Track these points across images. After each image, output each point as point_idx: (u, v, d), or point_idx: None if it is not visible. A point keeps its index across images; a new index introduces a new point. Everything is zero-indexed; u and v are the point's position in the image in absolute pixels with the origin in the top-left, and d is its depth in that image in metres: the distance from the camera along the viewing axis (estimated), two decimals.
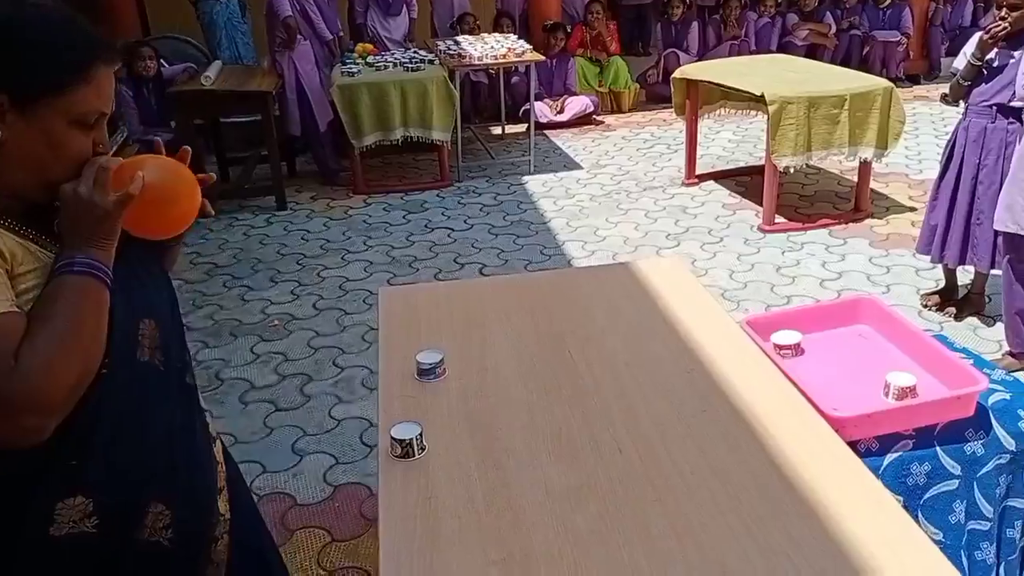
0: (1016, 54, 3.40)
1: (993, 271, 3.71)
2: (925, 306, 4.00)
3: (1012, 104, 3.41)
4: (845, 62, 8.35)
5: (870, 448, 1.82)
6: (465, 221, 5.44)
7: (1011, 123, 3.44)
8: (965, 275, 3.98)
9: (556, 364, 1.87)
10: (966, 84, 3.57)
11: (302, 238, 5.23)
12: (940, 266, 3.97)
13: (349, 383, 3.56)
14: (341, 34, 6.86)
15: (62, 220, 1.17)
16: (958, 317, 3.89)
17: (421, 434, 1.56)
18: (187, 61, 6.37)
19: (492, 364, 1.88)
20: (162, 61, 6.04)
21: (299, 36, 5.94)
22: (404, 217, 5.56)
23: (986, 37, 3.42)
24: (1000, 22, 3.38)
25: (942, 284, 4.04)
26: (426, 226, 5.38)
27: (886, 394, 1.84)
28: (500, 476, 1.50)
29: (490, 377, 1.83)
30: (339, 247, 5.08)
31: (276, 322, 4.13)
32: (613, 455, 1.55)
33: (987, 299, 3.93)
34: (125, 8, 7.60)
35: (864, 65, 8.36)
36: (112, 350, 1.19)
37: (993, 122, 3.51)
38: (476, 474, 1.51)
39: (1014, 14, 3.34)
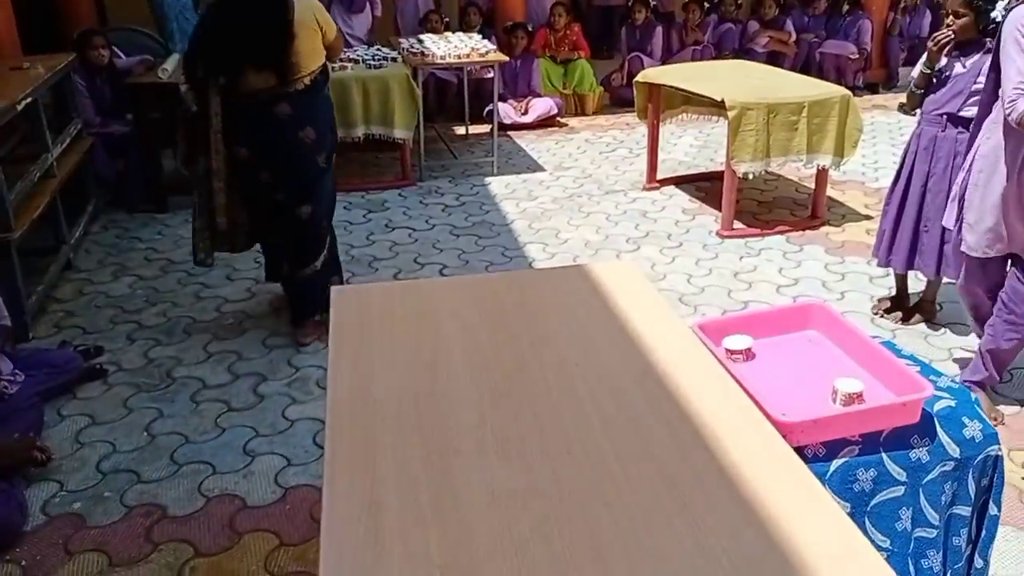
0: (967, 63, 3.44)
1: (945, 280, 3.77)
2: (876, 313, 4.05)
3: (961, 113, 3.45)
4: (805, 69, 8.47)
5: (817, 454, 1.84)
6: (427, 221, 5.42)
7: (960, 132, 3.45)
8: (919, 283, 4.04)
9: (507, 365, 1.86)
10: (919, 92, 3.62)
11: None
12: (892, 273, 4.02)
13: (304, 383, 3.51)
14: None
15: None
16: (905, 322, 3.94)
17: None
18: (144, 53, 6.24)
19: (443, 364, 1.86)
20: (116, 51, 5.90)
21: None
22: (365, 216, 5.52)
23: (931, 45, 3.47)
24: (945, 30, 3.42)
25: (895, 291, 4.10)
26: (387, 225, 5.35)
27: (833, 400, 1.85)
28: (447, 478, 1.48)
29: (440, 377, 1.81)
30: None
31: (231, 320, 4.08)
32: (561, 457, 1.54)
33: (938, 307, 4.00)
34: None
35: (820, 73, 8.49)
36: None
37: (943, 131, 3.53)
38: (423, 475, 1.49)
39: (959, 22, 3.37)
